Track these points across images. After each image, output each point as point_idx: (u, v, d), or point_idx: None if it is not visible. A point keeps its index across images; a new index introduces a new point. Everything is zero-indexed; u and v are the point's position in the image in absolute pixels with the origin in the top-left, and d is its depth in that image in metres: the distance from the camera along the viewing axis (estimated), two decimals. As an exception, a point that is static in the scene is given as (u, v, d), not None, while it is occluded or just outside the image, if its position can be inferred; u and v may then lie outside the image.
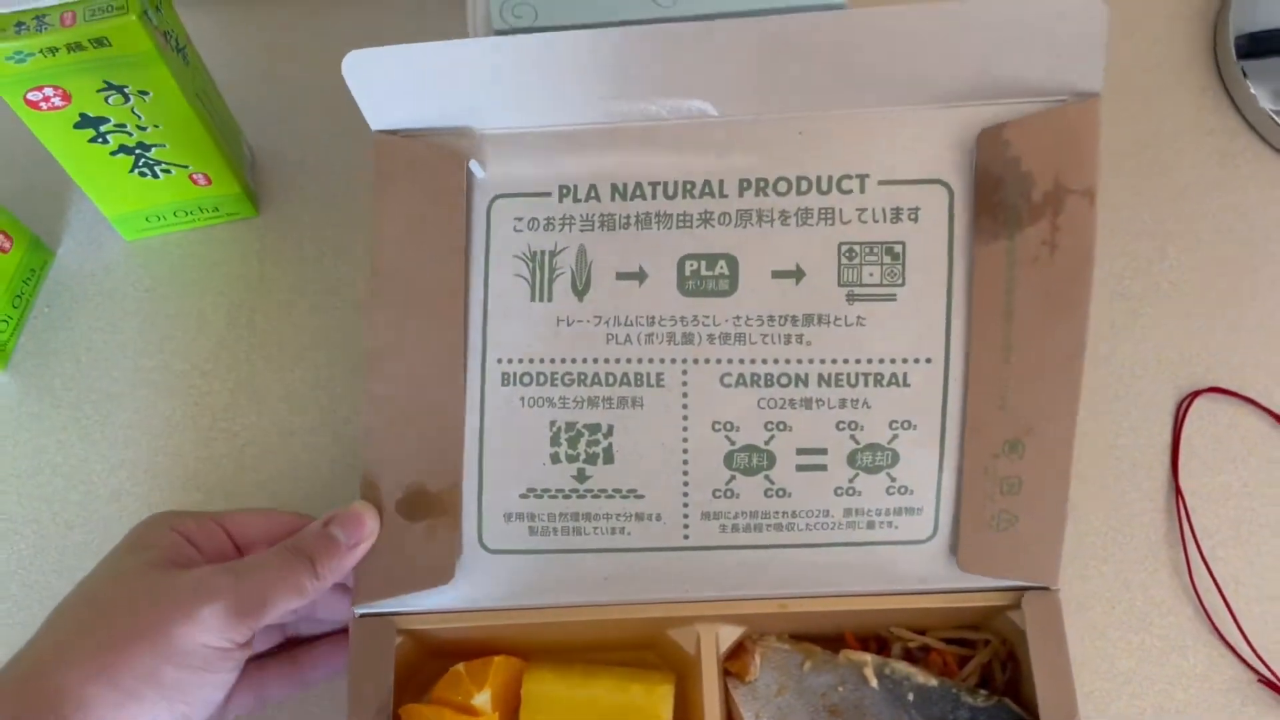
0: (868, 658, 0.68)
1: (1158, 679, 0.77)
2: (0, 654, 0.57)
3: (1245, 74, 0.91)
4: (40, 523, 0.70)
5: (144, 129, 0.72)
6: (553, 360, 0.66)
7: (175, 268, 0.78)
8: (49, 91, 0.65)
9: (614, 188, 0.63)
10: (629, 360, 0.65)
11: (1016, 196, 0.64)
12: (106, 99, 0.69)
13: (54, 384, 0.75)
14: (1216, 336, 0.85)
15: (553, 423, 0.67)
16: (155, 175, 0.76)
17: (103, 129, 0.71)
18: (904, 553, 0.69)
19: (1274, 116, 0.90)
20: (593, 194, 0.64)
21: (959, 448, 0.67)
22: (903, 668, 0.67)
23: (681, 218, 0.63)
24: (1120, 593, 0.80)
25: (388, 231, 0.64)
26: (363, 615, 0.66)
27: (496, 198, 0.66)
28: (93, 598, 0.56)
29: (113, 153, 0.73)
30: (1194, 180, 0.90)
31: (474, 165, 0.65)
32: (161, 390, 0.75)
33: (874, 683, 0.66)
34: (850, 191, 0.65)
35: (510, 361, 0.65)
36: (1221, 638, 0.78)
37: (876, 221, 0.65)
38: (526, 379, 0.66)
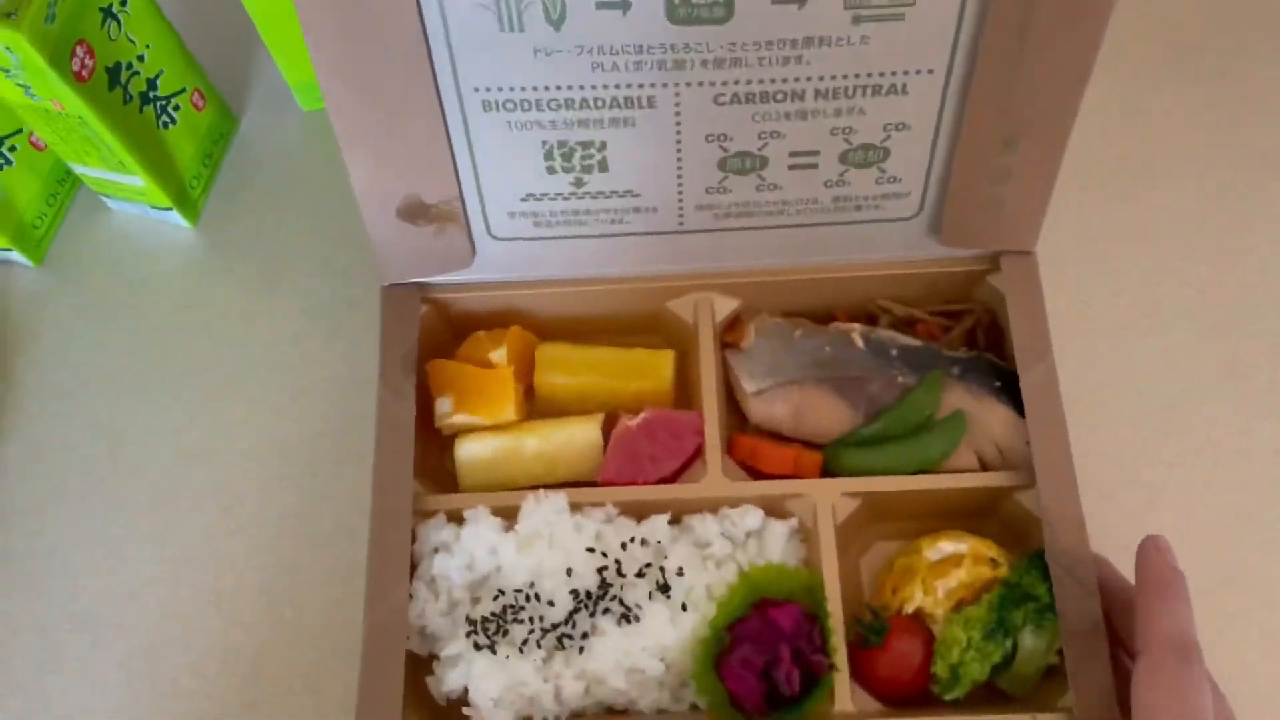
0: (855, 325, 0.75)
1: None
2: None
3: None
4: (225, 361, 0.78)
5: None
6: (535, 88, 0.63)
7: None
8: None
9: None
10: (617, 86, 0.62)
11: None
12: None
13: (240, 239, 0.83)
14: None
15: (544, 142, 0.66)
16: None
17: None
18: (888, 229, 0.72)
19: None
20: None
21: (950, 145, 0.66)
22: (888, 333, 0.75)
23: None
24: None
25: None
26: (390, 286, 0.73)
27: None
28: None
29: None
30: None
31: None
32: (339, 244, 0.82)
33: (860, 344, 0.74)
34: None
35: (489, 90, 0.63)
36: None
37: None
38: (510, 105, 0.64)
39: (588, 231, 0.71)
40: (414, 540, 0.69)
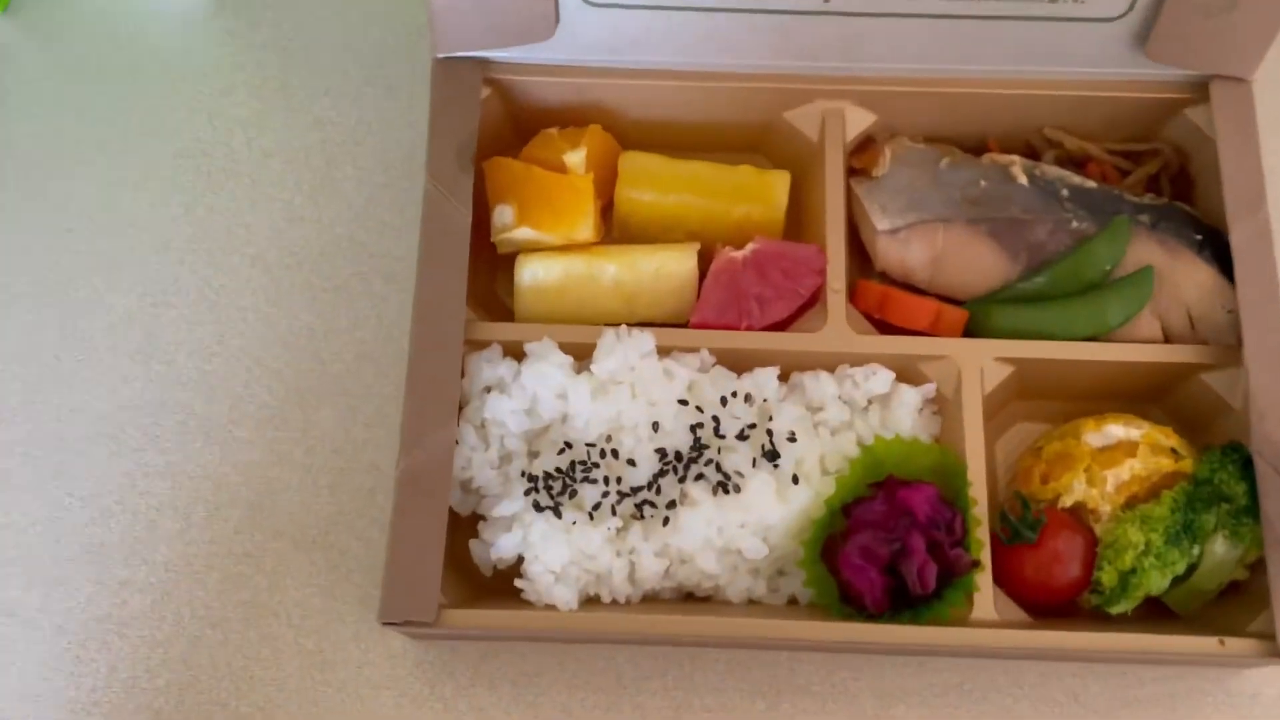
0: (1015, 158, 0.60)
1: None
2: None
3: None
4: (231, 146, 0.65)
5: None
6: None
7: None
8: None
9: None
10: None
11: None
12: None
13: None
14: None
15: None
16: None
17: None
18: (1082, 32, 0.57)
19: None
20: None
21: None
22: (1056, 170, 0.60)
23: None
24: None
25: None
26: (445, 58, 0.58)
27: None
28: None
29: None
30: None
31: None
32: (373, 14, 0.68)
33: (1023, 179, 0.60)
34: None
35: None
36: None
37: None
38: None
39: (703, 2, 0.56)
40: (463, 375, 0.55)
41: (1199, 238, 0.57)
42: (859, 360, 0.56)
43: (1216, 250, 0.57)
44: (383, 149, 0.66)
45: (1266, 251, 0.55)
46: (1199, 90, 0.59)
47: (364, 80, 0.68)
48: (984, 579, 0.52)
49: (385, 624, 0.50)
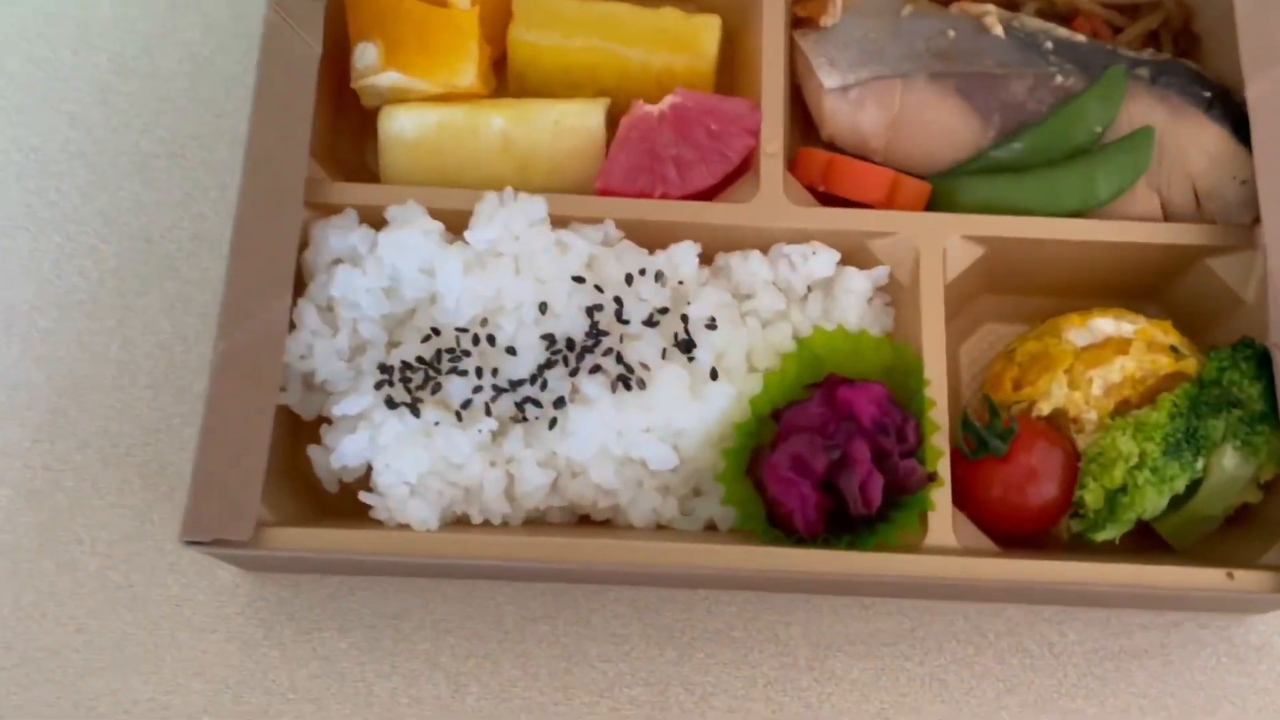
0: (990, 6, 0.50)
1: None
2: None
3: None
4: None
5: None
6: None
7: None
8: None
9: None
10: None
11: None
12: None
13: None
14: None
15: None
16: None
17: None
18: None
19: None
20: None
21: None
22: (1037, 22, 0.50)
23: None
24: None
25: None
26: None
27: None
28: None
29: None
30: None
31: None
32: None
33: (998, 30, 0.49)
34: None
35: None
36: None
37: None
38: None
39: None
40: (305, 246, 0.43)
41: (1207, 95, 0.47)
42: (797, 238, 0.46)
43: (1230, 110, 0.46)
44: (234, -8, 0.54)
45: (1288, 111, 0.45)
46: (1208, -76, 0.48)
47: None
48: (942, 497, 0.42)
49: (189, 543, 0.39)
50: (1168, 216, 0.48)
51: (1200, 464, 0.43)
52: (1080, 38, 0.50)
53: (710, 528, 0.45)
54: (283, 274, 0.43)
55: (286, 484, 0.44)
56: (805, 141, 0.52)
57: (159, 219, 0.52)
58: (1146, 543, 0.46)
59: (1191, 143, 0.47)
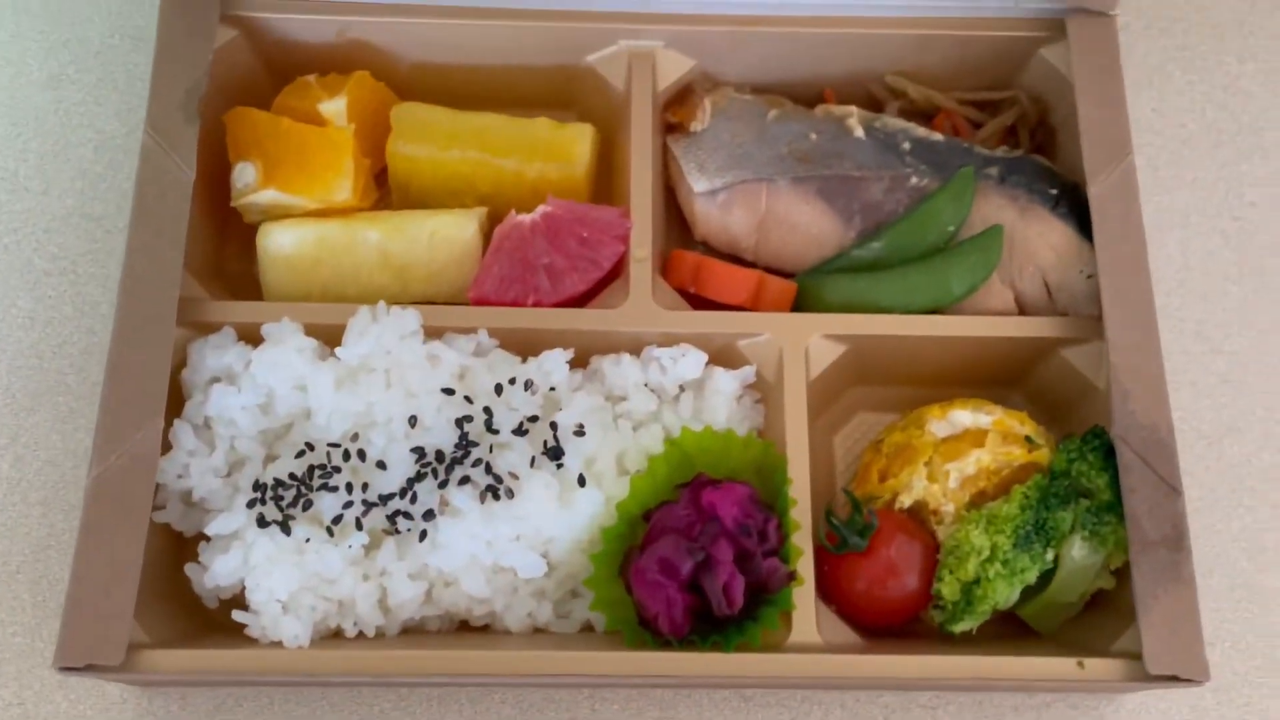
0: (853, 109, 0.52)
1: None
2: None
3: None
4: None
5: None
6: None
7: None
8: None
9: None
10: None
11: None
12: None
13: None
14: None
15: None
16: None
17: None
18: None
19: None
20: None
21: None
22: (898, 122, 0.52)
23: None
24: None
25: None
26: None
27: None
28: None
29: None
30: None
31: None
32: None
33: (859, 132, 0.51)
34: None
35: None
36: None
37: None
38: None
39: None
40: (184, 365, 0.45)
41: (1054, 192, 0.49)
42: (667, 340, 0.48)
43: (1075, 207, 0.49)
44: (128, 110, 0.56)
45: (1130, 207, 0.47)
46: (1056, 28, 0.51)
47: (109, 31, 0.58)
48: (804, 595, 0.43)
49: (62, 670, 0.40)
50: (1023, 309, 0.50)
51: (1050, 555, 0.44)
52: (938, 137, 0.52)
53: (588, 629, 0.46)
54: (156, 396, 0.44)
55: (170, 600, 0.45)
56: (683, 242, 0.53)
57: (50, 335, 0.53)
58: (1013, 627, 0.47)
59: (1040, 239, 0.49)
